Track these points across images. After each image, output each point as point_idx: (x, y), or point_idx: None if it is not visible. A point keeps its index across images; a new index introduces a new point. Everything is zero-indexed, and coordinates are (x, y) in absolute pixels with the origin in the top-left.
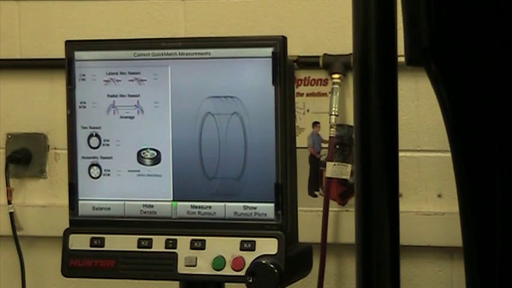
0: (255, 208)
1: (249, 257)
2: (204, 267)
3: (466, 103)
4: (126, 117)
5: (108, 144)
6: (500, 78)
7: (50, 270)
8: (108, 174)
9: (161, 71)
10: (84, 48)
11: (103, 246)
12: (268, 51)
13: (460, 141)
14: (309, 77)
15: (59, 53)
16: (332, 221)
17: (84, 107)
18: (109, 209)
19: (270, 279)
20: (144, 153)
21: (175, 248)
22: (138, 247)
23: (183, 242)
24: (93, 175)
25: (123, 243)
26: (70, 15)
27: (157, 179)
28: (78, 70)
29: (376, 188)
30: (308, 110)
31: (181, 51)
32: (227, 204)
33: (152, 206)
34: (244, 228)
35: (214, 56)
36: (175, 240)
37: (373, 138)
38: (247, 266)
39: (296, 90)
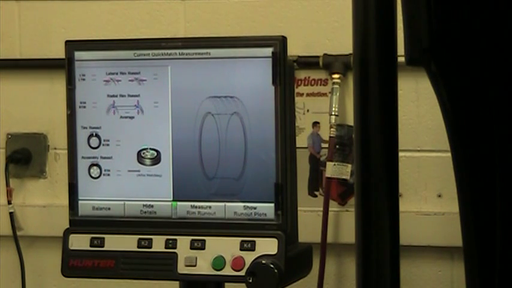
0: (255, 208)
1: (249, 257)
2: (204, 267)
3: (466, 103)
4: (126, 117)
5: (108, 144)
6: (500, 79)
7: (50, 270)
8: (108, 174)
9: (161, 71)
10: (84, 48)
11: (103, 246)
12: (268, 51)
13: (460, 141)
14: (309, 77)
15: (59, 53)
16: (332, 221)
17: (84, 107)
18: (109, 209)
19: (270, 279)
20: (144, 153)
21: (175, 248)
22: (138, 247)
23: (183, 242)
24: (93, 175)
25: (123, 243)
26: (70, 15)
27: (157, 179)
28: (78, 70)
29: (376, 188)
30: (308, 110)
31: (181, 51)
32: (227, 204)
33: (152, 206)
34: (244, 228)
35: (214, 56)
36: (175, 240)
37: (373, 138)
38: (247, 266)
39: (296, 90)
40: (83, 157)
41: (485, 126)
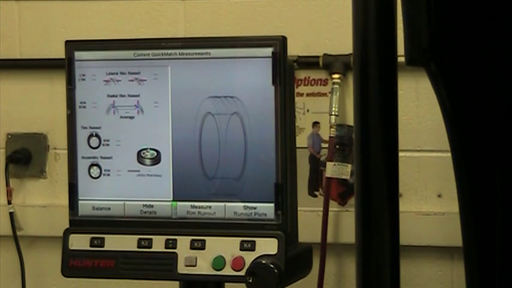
0: (255, 208)
1: (249, 257)
2: (204, 267)
3: (466, 103)
4: (126, 117)
5: (108, 144)
6: (500, 78)
7: (50, 270)
8: (108, 174)
9: (161, 71)
10: (84, 48)
11: (103, 246)
12: (268, 51)
13: (460, 141)
14: (309, 77)
15: (59, 53)
16: (332, 221)
17: (84, 107)
18: (109, 209)
19: (270, 279)
20: (144, 153)
21: (175, 248)
22: (138, 247)
23: (183, 242)
24: (93, 175)
25: (123, 243)
26: (70, 15)
27: (157, 179)
28: (78, 70)
29: (376, 188)
30: (308, 110)
31: (181, 51)
32: (227, 204)
33: (152, 206)
34: (244, 228)
35: (214, 56)
36: (175, 240)
37: (373, 138)
38: (247, 266)
39: (296, 90)
40: (83, 157)
41: (485, 126)
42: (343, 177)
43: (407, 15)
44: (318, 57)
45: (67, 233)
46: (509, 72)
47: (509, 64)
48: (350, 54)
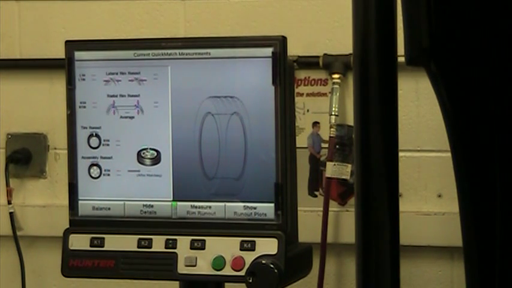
0: (255, 208)
1: (249, 257)
2: (204, 267)
3: (466, 103)
4: (126, 117)
5: (108, 144)
6: (500, 78)
7: (50, 270)
8: (108, 174)
9: (161, 71)
10: (84, 48)
11: (103, 246)
12: (268, 51)
13: (460, 141)
14: (309, 77)
15: (59, 53)
16: (332, 221)
17: (84, 107)
18: (109, 209)
19: (270, 279)
20: (144, 153)
21: (175, 248)
22: (138, 247)
23: (183, 242)
24: (93, 175)
25: (123, 243)
26: (70, 15)
27: (157, 179)
28: (78, 70)
29: (376, 188)
30: (308, 110)
31: (181, 51)
32: (227, 204)
33: (152, 206)
34: (244, 228)
35: (214, 56)
36: (175, 240)
37: (373, 138)
38: (247, 266)
39: (296, 90)
40: (83, 157)
41: (485, 126)
42: (343, 177)
43: (407, 15)
44: (318, 57)
45: (67, 233)
46: (509, 72)
47: (509, 64)
48: (350, 54)
